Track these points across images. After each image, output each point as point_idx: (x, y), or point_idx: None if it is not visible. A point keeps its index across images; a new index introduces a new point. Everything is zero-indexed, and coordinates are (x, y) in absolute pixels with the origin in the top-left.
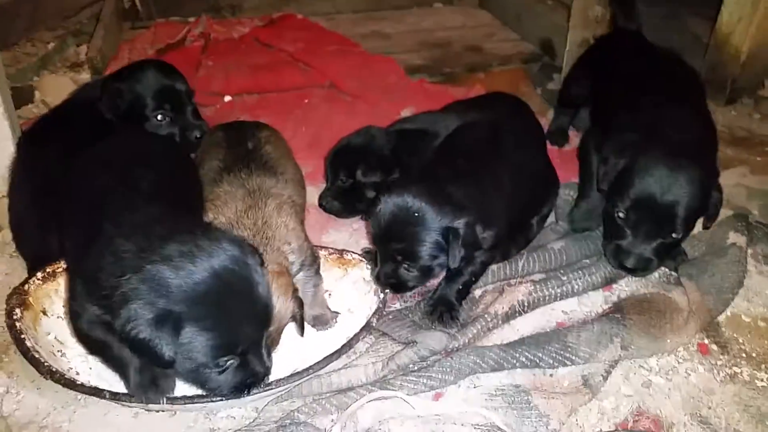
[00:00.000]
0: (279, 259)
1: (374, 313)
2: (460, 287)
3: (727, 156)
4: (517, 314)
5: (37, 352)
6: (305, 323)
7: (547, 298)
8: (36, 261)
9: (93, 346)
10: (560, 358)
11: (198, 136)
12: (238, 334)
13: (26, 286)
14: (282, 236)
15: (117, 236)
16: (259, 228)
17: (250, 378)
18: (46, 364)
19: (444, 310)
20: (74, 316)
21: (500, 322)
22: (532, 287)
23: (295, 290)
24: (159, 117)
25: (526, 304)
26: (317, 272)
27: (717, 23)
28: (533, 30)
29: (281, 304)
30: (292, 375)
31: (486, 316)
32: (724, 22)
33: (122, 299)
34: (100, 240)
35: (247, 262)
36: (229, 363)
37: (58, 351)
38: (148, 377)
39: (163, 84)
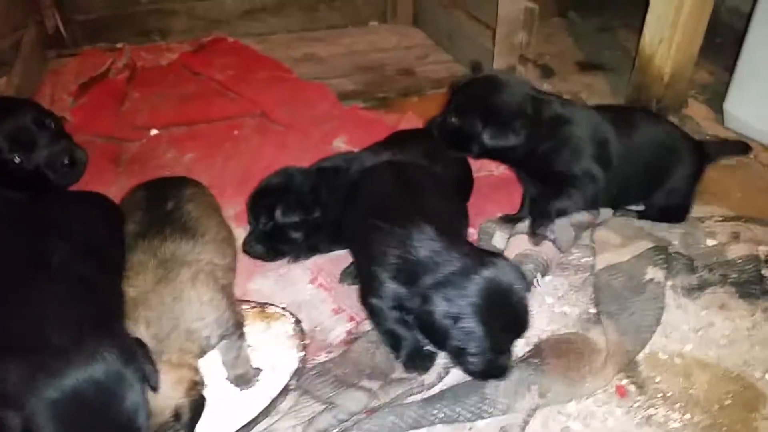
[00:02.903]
0: (184, 345)
1: (294, 373)
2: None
3: None
4: (441, 380)
5: None
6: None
7: None
8: None
9: None
10: (478, 411)
11: (67, 161)
12: None
13: None
14: (193, 312)
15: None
16: (167, 305)
17: None
18: None
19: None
20: None
21: (426, 390)
22: None
23: (195, 386)
24: (17, 160)
25: (449, 365)
26: (240, 336)
27: (640, 45)
28: (464, 52)
29: (158, 401)
30: None
31: (412, 381)
32: (646, 44)
33: None
34: None
35: (121, 375)
36: None
37: None
38: None
39: (5, 124)
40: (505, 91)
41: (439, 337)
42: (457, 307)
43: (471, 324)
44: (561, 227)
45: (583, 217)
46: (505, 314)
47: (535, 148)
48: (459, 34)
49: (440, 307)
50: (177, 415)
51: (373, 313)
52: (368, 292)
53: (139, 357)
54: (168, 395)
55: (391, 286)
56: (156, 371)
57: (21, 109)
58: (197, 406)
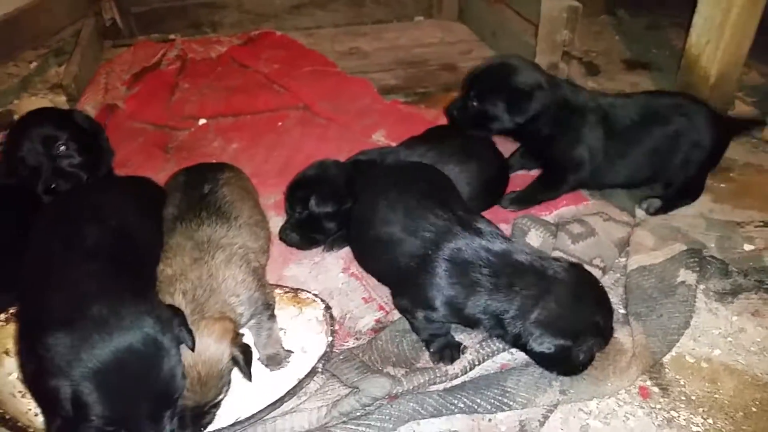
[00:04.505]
0: (223, 308)
1: (321, 357)
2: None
3: None
4: (466, 373)
5: None
6: (260, 363)
7: (495, 351)
8: None
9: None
10: (497, 403)
11: (50, 186)
12: (126, 412)
13: None
14: (229, 289)
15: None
16: (203, 281)
17: None
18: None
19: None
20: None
21: (448, 380)
22: (478, 345)
23: (237, 336)
24: (25, 173)
25: (475, 362)
26: (270, 317)
27: (686, 45)
28: (507, 48)
29: (213, 349)
30: (234, 424)
31: (436, 370)
32: (693, 44)
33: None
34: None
35: (158, 342)
36: (115, 430)
37: (19, 392)
38: None
39: (20, 141)
40: (521, 72)
41: (557, 364)
42: (569, 331)
43: (589, 339)
44: (606, 248)
45: (623, 233)
46: (604, 310)
47: (541, 130)
48: (503, 31)
49: (556, 341)
50: (235, 363)
51: (417, 321)
52: (416, 304)
53: (175, 324)
54: (219, 345)
55: (444, 309)
56: (191, 335)
57: (38, 126)
58: (247, 351)
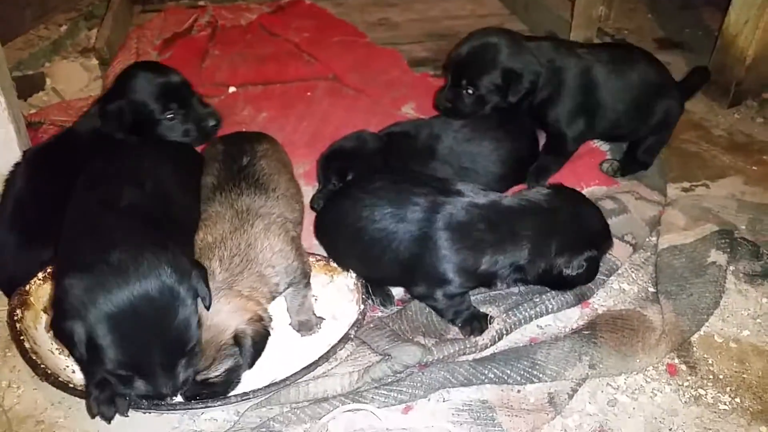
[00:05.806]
0: (255, 284)
1: (353, 324)
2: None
3: (723, 164)
4: (495, 343)
5: (35, 353)
6: (292, 329)
7: (522, 321)
8: (9, 285)
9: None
10: (527, 375)
11: (213, 124)
12: (140, 358)
13: (27, 287)
14: (266, 259)
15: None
16: (241, 250)
17: (152, 394)
18: (42, 366)
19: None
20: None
21: (478, 351)
22: (505, 315)
23: (260, 320)
24: (170, 116)
25: (503, 332)
26: (306, 285)
27: (724, 24)
28: (540, 22)
29: (221, 318)
30: (269, 385)
31: (466, 342)
32: (731, 24)
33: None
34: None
35: (174, 292)
36: (129, 376)
37: (57, 349)
38: (107, 394)
39: (160, 84)
40: (507, 49)
41: (589, 276)
42: (590, 243)
43: (607, 242)
44: (637, 225)
45: (654, 212)
46: (600, 213)
47: (536, 97)
48: (536, 4)
49: (583, 256)
50: (238, 342)
51: (438, 302)
52: (431, 284)
53: (194, 276)
54: (229, 317)
55: (458, 277)
56: (209, 291)
57: (173, 74)
58: (259, 338)
